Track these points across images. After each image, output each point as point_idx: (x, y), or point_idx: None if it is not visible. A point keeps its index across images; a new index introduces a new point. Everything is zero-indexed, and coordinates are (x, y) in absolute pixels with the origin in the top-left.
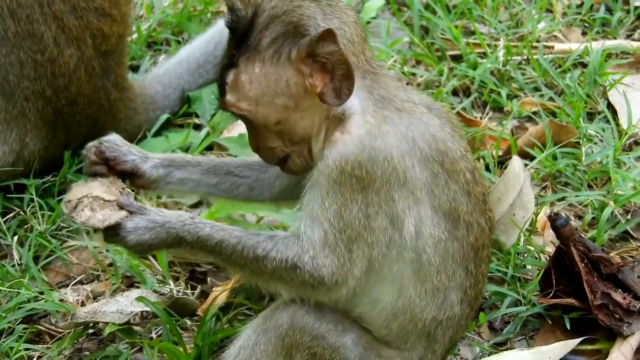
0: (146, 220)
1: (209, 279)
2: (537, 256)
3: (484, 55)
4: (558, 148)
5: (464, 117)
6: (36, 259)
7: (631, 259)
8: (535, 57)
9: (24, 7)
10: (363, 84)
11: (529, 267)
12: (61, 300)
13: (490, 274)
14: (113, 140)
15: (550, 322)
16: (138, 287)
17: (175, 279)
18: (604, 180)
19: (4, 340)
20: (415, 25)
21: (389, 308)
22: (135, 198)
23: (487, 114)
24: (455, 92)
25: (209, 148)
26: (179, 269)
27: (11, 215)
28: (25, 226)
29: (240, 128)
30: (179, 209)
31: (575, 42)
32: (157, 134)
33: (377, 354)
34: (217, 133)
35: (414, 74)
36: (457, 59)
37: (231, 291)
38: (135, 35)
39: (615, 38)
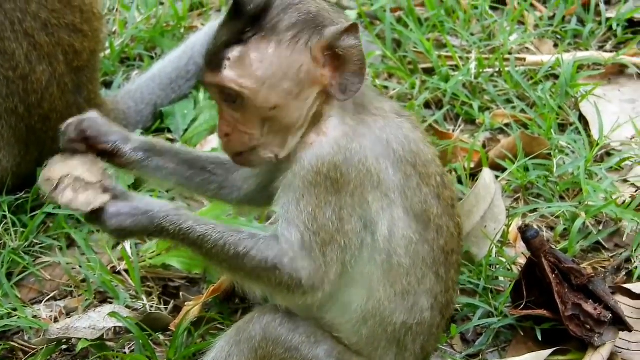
0: (129, 206)
1: (181, 293)
2: (509, 268)
3: (456, 68)
4: (530, 160)
5: (436, 130)
6: (9, 275)
7: (602, 270)
8: (507, 69)
9: None
10: None
11: (500, 278)
12: (34, 316)
13: (462, 286)
14: (94, 119)
15: (522, 334)
16: (111, 303)
17: (148, 294)
18: (575, 191)
19: None
20: (388, 39)
21: (359, 311)
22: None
23: (459, 126)
24: (427, 105)
25: None
26: (151, 284)
27: None
28: None
29: (213, 143)
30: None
31: (547, 54)
32: None
33: None
34: (190, 147)
35: (386, 87)
36: (429, 71)
37: (203, 306)
38: (108, 51)
39: (587, 50)
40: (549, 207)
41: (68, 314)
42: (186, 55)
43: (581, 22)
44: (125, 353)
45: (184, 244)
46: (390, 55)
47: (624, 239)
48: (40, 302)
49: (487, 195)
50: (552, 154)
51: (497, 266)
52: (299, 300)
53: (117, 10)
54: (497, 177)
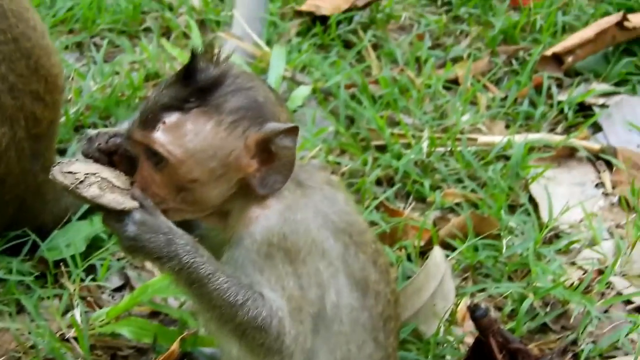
0: (154, 221)
1: None
2: (457, 347)
3: (408, 146)
4: (479, 239)
5: (387, 207)
6: None
7: (549, 351)
8: (458, 148)
9: None
10: None
11: (448, 357)
12: None
13: None
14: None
15: None
16: None
17: None
18: (524, 272)
19: None
20: (341, 115)
21: None
22: None
23: (410, 204)
24: (379, 182)
25: None
26: (100, 352)
27: None
28: None
29: None
30: None
31: (498, 135)
32: (83, 217)
33: None
34: None
35: (338, 163)
36: (381, 149)
37: None
38: (63, 119)
39: (538, 132)
40: (497, 287)
41: None
42: None
43: (533, 104)
44: None
45: (188, 278)
46: (343, 131)
47: (571, 321)
48: None
49: (437, 273)
50: (501, 234)
51: (445, 345)
52: None
53: (72, 78)
54: (446, 255)
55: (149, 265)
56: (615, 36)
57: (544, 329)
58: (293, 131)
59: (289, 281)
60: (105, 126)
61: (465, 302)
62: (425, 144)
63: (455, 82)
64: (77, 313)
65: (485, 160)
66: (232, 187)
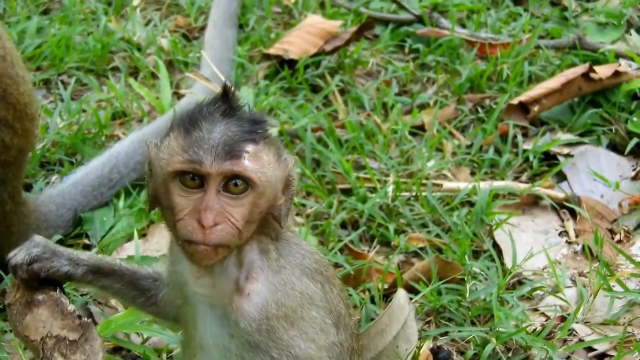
0: None
1: None
2: None
3: (373, 189)
4: (443, 284)
5: (351, 250)
6: None
7: None
8: (423, 194)
9: None
10: None
11: None
12: None
13: None
14: (42, 254)
15: None
16: None
17: None
18: (486, 317)
19: None
20: (307, 158)
21: None
22: None
23: (374, 247)
24: (344, 225)
25: None
26: None
27: None
28: None
29: (129, 251)
30: None
31: (463, 182)
32: None
33: None
34: (106, 253)
35: (303, 205)
36: (347, 192)
37: None
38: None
39: (503, 179)
40: (460, 331)
41: None
42: (110, 163)
43: (498, 152)
44: None
45: None
46: (309, 174)
47: None
48: None
49: (401, 315)
50: (465, 279)
51: None
52: None
53: (39, 115)
54: (410, 298)
55: (112, 301)
56: (581, 87)
57: None
58: (295, 163)
59: (299, 344)
60: (72, 163)
61: (427, 345)
62: (390, 189)
63: (421, 128)
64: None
65: (450, 206)
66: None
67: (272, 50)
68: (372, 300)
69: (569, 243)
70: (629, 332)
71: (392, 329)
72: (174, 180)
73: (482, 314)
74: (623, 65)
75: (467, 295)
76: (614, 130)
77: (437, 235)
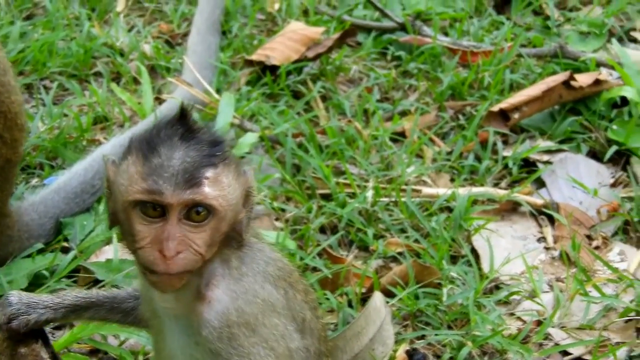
0: None
1: None
2: None
3: (353, 195)
4: (420, 288)
5: (330, 254)
6: None
7: None
8: (403, 199)
9: None
10: None
11: None
12: None
13: None
14: (17, 311)
15: None
16: None
17: None
18: (463, 321)
19: None
20: (288, 163)
21: None
22: None
23: (353, 252)
24: (322, 230)
25: (76, 271)
26: None
27: None
28: None
29: (107, 254)
30: None
31: (443, 188)
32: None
33: None
34: (84, 256)
35: (283, 210)
36: (326, 197)
37: None
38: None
39: (482, 185)
40: (437, 335)
41: None
42: (92, 169)
43: (478, 159)
44: None
45: None
46: (289, 179)
47: None
48: None
49: (377, 318)
50: (442, 283)
51: None
52: None
53: None
54: (387, 302)
55: None
56: (561, 95)
57: None
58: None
59: (259, 351)
60: (52, 167)
61: (403, 348)
62: (370, 194)
63: (402, 134)
64: None
65: (429, 212)
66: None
67: (254, 57)
68: (350, 304)
69: (547, 249)
70: (604, 337)
71: (368, 331)
72: (134, 209)
73: (458, 318)
74: (604, 74)
75: (444, 299)
76: (593, 138)
77: (416, 241)
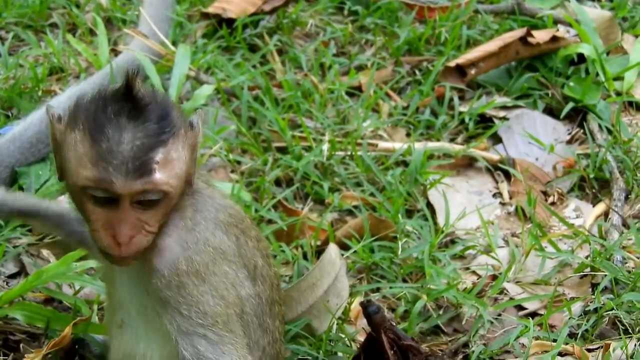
0: None
1: (21, 345)
2: (349, 344)
3: (309, 148)
4: (375, 241)
5: (285, 207)
6: None
7: (440, 352)
8: (358, 153)
9: None
10: None
11: (339, 354)
12: None
13: (301, 358)
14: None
15: None
16: None
17: None
18: (418, 275)
19: None
20: (244, 116)
21: None
22: None
23: (308, 204)
24: (278, 182)
25: None
26: None
27: None
28: None
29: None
30: None
31: (399, 142)
32: None
33: None
34: None
35: (239, 162)
36: (282, 150)
37: (44, 358)
38: None
39: (438, 140)
40: (391, 288)
41: None
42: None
43: (434, 114)
44: None
45: None
46: (245, 131)
47: (463, 323)
48: None
49: (332, 270)
50: (397, 237)
51: (337, 342)
52: None
53: None
54: (342, 254)
55: (45, 252)
56: (518, 51)
57: (436, 330)
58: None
59: (208, 300)
60: (7, 117)
61: (358, 300)
62: (325, 147)
63: (358, 89)
64: None
65: (384, 165)
66: None
67: (210, 9)
68: (305, 257)
69: (503, 204)
70: (559, 292)
71: (322, 283)
72: (84, 192)
73: (413, 272)
74: (561, 31)
75: (400, 252)
76: (550, 95)
77: (372, 194)
